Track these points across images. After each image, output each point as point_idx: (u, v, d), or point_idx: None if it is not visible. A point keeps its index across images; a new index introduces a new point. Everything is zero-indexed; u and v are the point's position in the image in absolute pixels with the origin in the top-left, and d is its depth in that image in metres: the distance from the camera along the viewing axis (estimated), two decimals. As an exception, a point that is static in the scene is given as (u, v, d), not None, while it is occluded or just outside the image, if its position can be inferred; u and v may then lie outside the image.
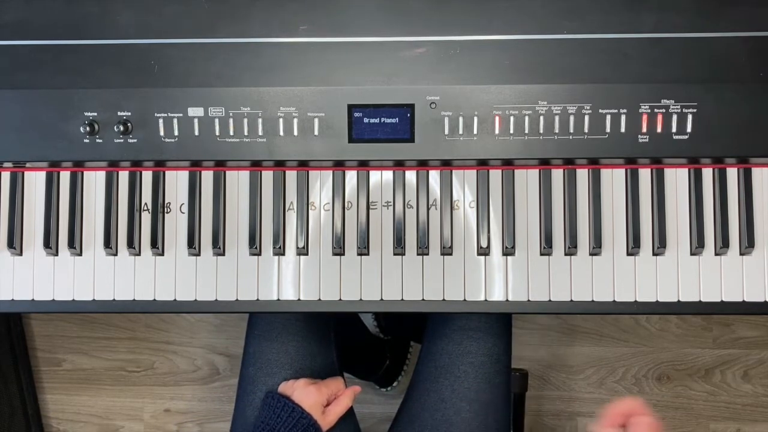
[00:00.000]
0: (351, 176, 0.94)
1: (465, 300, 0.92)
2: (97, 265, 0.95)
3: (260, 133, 0.90)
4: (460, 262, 0.92)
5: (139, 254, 0.94)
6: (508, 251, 0.92)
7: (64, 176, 0.95)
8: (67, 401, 1.77)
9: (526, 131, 0.89)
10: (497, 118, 0.89)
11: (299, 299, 0.93)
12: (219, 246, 0.93)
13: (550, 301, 0.92)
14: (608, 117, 0.88)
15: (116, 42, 0.90)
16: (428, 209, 0.93)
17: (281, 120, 0.90)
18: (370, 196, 0.94)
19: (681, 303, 0.92)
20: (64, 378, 1.77)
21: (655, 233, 0.92)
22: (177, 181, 0.95)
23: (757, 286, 0.92)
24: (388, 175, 0.94)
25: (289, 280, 0.93)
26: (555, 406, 1.70)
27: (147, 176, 0.95)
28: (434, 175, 0.93)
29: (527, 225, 0.93)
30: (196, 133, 0.90)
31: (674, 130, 0.88)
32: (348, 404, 1.04)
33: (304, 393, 1.00)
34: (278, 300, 0.93)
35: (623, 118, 0.88)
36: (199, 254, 0.94)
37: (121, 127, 0.89)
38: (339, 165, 0.93)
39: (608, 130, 0.89)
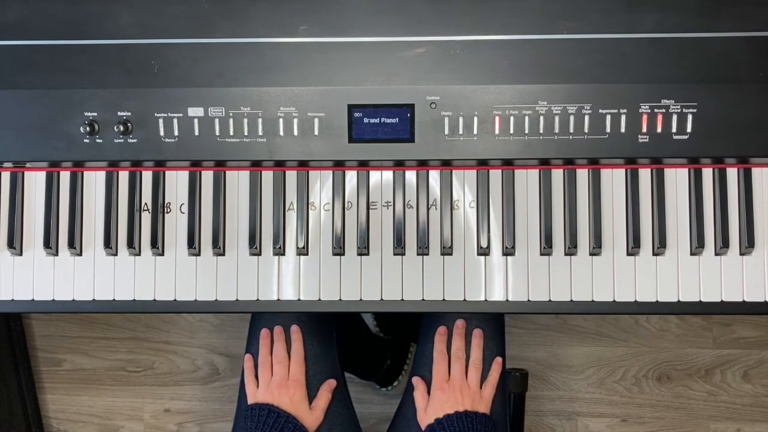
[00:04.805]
0: (351, 176, 0.94)
1: (465, 300, 0.92)
2: (97, 265, 0.95)
3: (260, 133, 0.90)
4: (460, 262, 0.92)
5: (139, 254, 0.94)
6: (508, 251, 0.92)
7: (64, 176, 0.95)
8: (67, 401, 1.77)
9: (526, 131, 0.89)
10: (497, 118, 0.89)
11: (299, 299, 0.93)
12: (219, 246, 0.93)
13: (550, 301, 0.92)
14: (608, 117, 0.88)
15: (116, 42, 0.90)
16: (428, 209, 0.93)
17: (281, 120, 0.90)
18: (370, 196, 0.94)
19: (681, 303, 0.92)
20: (64, 378, 1.77)
21: (655, 233, 0.92)
22: (177, 181, 0.95)
23: (757, 286, 0.92)
24: (388, 175, 0.94)
25: (289, 280, 0.93)
26: (555, 406, 1.70)
27: (147, 176, 0.95)
28: (434, 175, 0.93)
29: (527, 225, 0.93)
30: (196, 133, 0.90)
31: (674, 130, 0.88)
32: (328, 397, 1.05)
33: (284, 395, 1.01)
34: (278, 300, 0.93)
35: (623, 118, 0.88)
36: (199, 254, 0.94)
37: (121, 127, 0.89)
38: (339, 165, 0.93)
39: (608, 130, 0.89)
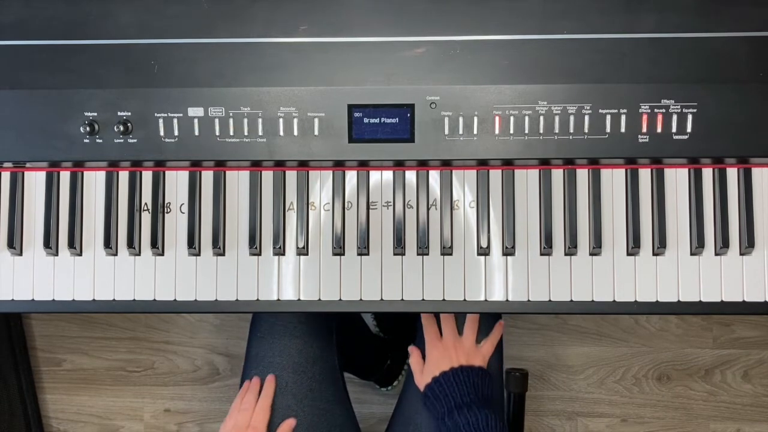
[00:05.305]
0: (351, 176, 0.94)
1: (465, 300, 0.92)
2: (97, 265, 0.95)
3: (260, 133, 0.90)
4: (460, 262, 0.92)
5: (139, 254, 0.94)
6: (508, 251, 0.92)
7: (64, 176, 0.95)
8: (67, 401, 1.77)
9: (526, 131, 0.89)
10: (497, 118, 0.89)
11: (299, 299, 0.93)
12: (219, 246, 0.93)
13: (550, 301, 0.92)
14: (608, 117, 0.88)
15: (116, 42, 0.90)
16: (428, 209, 0.93)
17: (281, 120, 0.90)
18: (370, 196, 0.94)
19: (681, 303, 0.92)
20: (64, 378, 1.77)
21: (655, 233, 0.92)
22: (177, 181, 0.95)
23: (757, 286, 0.92)
24: (388, 175, 0.94)
25: (289, 280, 0.93)
26: (555, 406, 1.70)
27: (147, 176, 0.95)
28: (434, 175, 0.93)
29: (527, 225, 0.93)
30: (196, 133, 0.90)
31: (674, 130, 0.88)
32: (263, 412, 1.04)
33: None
34: (278, 300, 0.93)
35: (623, 118, 0.88)
36: (199, 254, 0.94)
37: (121, 127, 0.89)
38: (339, 165, 0.93)
39: (608, 130, 0.89)
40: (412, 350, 1.07)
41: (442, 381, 0.99)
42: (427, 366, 1.03)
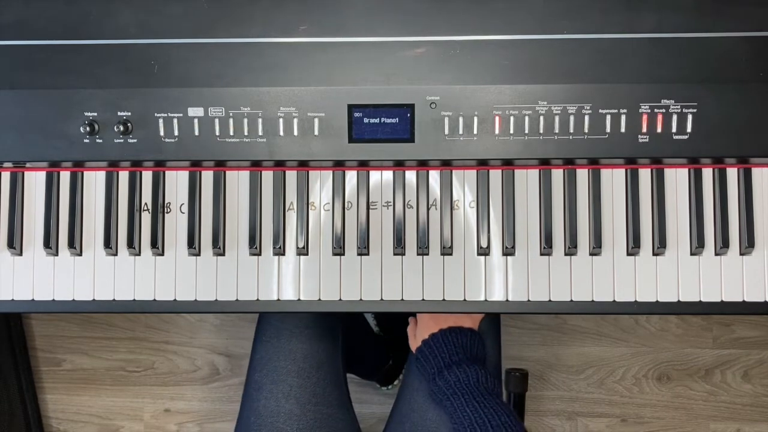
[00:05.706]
0: (351, 176, 0.94)
1: (465, 300, 0.92)
2: (97, 265, 0.95)
3: (260, 133, 0.90)
4: (460, 262, 0.93)
5: (139, 254, 0.94)
6: (508, 251, 0.92)
7: (64, 176, 0.95)
8: (67, 401, 1.77)
9: (526, 131, 0.89)
10: (497, 118, 0.89)
11: (299, 299, 0.93)
12: (219, 246, 0.93)
13: (550, 301, 0.92)
14: (608, 117, 0.88)
15: (116, 42, 0.90)
16: (428, 209, 0.93)
17: (281, 120, 0.90)
18: (370, 196, 0.94)
19: (681, 303, 0.92)
20: (64, 378, 1.77)
21: (655, 233, 0.92)
22: (177, 181, 0.95)
23: (757, 286, 0.92)
24: (388, 175, 0.94)
25: (289, 280, 0.93)
26: (555, 406, 1.70)
27: (147, 176, 0.95)
28: (434, 175, 0.93)
29: (527, 225, 0.93)
30: (196, 133, 0.90)
31: (674, 130, 0.88)
32: None
33: None
34: (278, 300, 0.93)
35: (623, 118, 0.88)
36: (199, 254, 0.94)
37: (121, 127, 0.89)
38: (339, 165, 0.93)
39: (608, 130, 0.89)
40: (411, 320, 1.10)
41: (431, 342, 1.01)
42: (418, 331, 1.06)
